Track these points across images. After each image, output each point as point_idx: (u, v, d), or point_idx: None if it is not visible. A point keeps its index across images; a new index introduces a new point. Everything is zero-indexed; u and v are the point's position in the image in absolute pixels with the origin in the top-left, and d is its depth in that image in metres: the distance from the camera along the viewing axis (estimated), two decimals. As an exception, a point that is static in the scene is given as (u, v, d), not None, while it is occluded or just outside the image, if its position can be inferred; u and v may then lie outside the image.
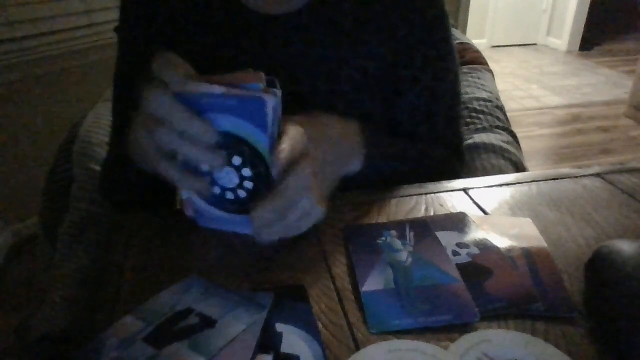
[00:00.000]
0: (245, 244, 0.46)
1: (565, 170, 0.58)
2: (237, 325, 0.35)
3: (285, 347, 0.34)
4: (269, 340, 0.34)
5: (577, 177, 0.57)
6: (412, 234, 0.46)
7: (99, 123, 0.81)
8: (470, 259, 0.42)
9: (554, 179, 0.57)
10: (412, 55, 0.58)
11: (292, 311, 0.37)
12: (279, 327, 0.35)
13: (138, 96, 0.42)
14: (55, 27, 1.65)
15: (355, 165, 0.53)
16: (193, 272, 0.42)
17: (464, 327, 0.35)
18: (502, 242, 0.45)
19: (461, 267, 0.41)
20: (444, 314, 0.36)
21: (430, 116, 0.62)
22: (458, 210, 0.50)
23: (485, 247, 0.44)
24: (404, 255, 0.43)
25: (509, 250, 0.43)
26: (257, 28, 0.56)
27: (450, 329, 0.35)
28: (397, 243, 0.44)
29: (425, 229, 0.46)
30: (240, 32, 0.56)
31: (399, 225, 0.47)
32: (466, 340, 0.34)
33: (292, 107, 0.57)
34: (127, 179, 0.57)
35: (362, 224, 0.49)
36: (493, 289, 0.39)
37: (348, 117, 0.56)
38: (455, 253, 0.43)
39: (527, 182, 0.56)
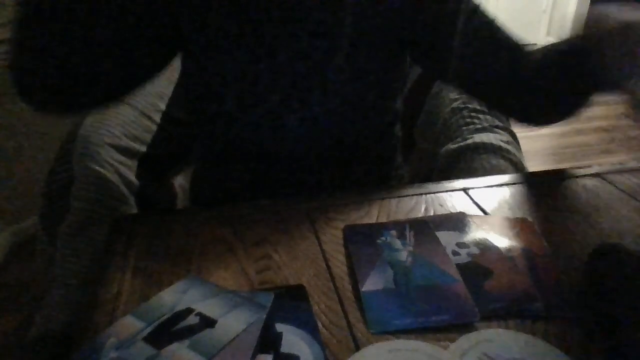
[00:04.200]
0: (245, 244, 0.46)
1: (565, 170, 0.58)
2: (237, 325, 0.35)
3: (285, 347, 0.34)
4: (269, 340, 0.34)
5: (577, 177, 0.57)
6: (412, 233, 0.46)
7: (99, 123, 0.81)
8: (470, 259, 0.42)
9: (554, 179, 0.57)
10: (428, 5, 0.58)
11: (292, 311, 0.37)
12: (279, 327, 0.35)
13: None
14: (55, 27, 1.65)
15: None
16: (193, 272, 0.42)
17: (464, 327, 0.35)
18: (502, 242, 0.45)
19: (461, 267, 0.41)
20: (444, 314, 0.36)
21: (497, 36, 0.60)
22: (458, 210, 0.50)
23: (485, 247, 0.44)
24: (404, 255, 0.43)
25: (509, 250, 0.43)
26: None
27: (450, 329, 0.35)
28: (397, 243, 0.44)
29: (425, 228, 0.46)
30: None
31: (399, 225, 0.47)
32: (466, 340, 0.34)
33: (294, 61, 0.58)
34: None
35: (362, 224, 0.49)
36: (493, 289, 0.39)
37: (344, 70, 0.57)
38: (455, 253, 0.43)
39: (527, 182, 0.56)
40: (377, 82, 0.61)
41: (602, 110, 3.02)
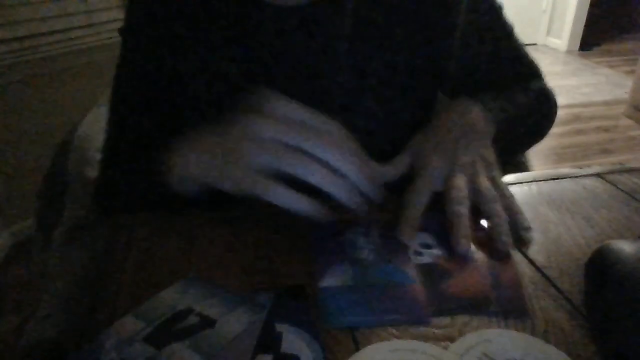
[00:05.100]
0: (245, 244, 0.46)
1: (565, 170, 0.58)
2: (237, 325, 0.35)
3: (285, 347, 0.34)
4: (268, 340, 0.34)
5: (577, 177, 0.57)
6: (376, 232, 0.46)
7: (95, 128, 0.79)
8: (431, 260, 0.42)
9: (554, 179, 0.57)
10: (454, 34, 0.57)
11: (292, 311, 0.37)
12: (279, 327, 0.35)
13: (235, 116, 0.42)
14: (55, 27, 1.65)
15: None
16: (193, 272, 0.42)
17: (464, 327, 0.35)
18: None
19: (421, 268, 0.41)
20: (396, 313, 0.37)
21: (497, 63, 0.62)
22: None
23: (448, 248, 0.44)
24: (364, 253, 0.43)
25: (473, 252, 0.43)
26: (274, 21, 0.53)
27: (450, 329, 0.35)
28: (361, 241, 0.44)
29: (391, 228, 0.46)
30: (255, 26, 0.53)
31: (365, 224, 0.47)
32: (466, 340, 0.34)
33: (314, 103, 0.56)
34: (127, 192, 0.56)
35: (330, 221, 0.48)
36: (449, 290, 0.39)
37: (377, 114, 0.56)
38: (417, 253, 0.43)
39: (527, 182, 0.56)
40: (406, 121, 0.60)
41: (602, 110, 3.02)
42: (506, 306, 0.37)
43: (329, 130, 0.42)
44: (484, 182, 0.46)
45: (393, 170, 0.50)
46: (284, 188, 0.39)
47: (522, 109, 0.59)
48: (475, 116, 0.52)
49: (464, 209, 0.44)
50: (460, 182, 0.46)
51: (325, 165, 0.40)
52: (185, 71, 0.56)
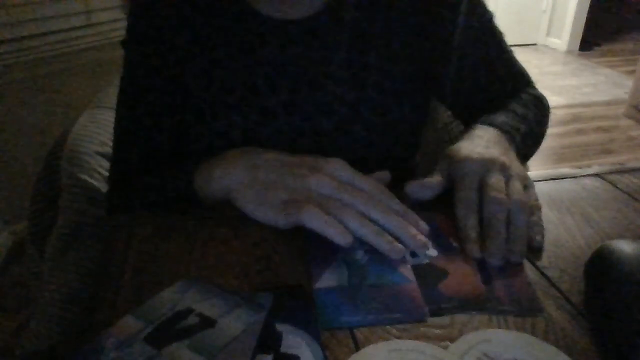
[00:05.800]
0: (245, 244, 0.46)
1: (565, 170, 0.58)
2: (237, 326, 0.35)
3: (285, 347, 0.34)
4: (268, 340, 0.34)
5: (577, 177, 0.57)
6: None
7: (88, 131, 0.77)
8: (427, 260, 0.43)
9: (554, 179, 0.57)
10: (450, 43, 0.57)
11: (292, 311, 0.37)
12: (279, 327, 0.35)
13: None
14: (55, 27, 1.65)
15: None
16: (193, 272, 0.42)
17: (465, 327, 0.35)
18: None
19: (417, 268, 0.41)
20: (394, 313, 0.37)
21: (494, 73, 0.62)
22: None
23: (444, 248, 0.44)
24: (360, 254, 0.43)
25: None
26: (274, 35, 0.54)
27: (450, 329, 0.35)
28: (356, 242, 0.44)
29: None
30: (256, 40, 0.54)
31: None
32: (466, 340, 0.34)
33: (317, 116, 0.56)
34: (135, 198, 0.57)
35: None
36: (446, 290, 0.39)
37: (374, 124, 0.56)
38: (413, 254, 0.43)
39: (527, 182, 0.56)
40: (404, 129, 0.60)
41: (602, 110, 3.02)
42: (503, 301, 0.38)
43: (374, 189, 0.46)
44: (517, 187, 0.46)
45: (430, 192, 0.49)
46: (318, 212, 0.42)
47: (530, 124, 0.60)
48: (497, 136, 0.53)
49: (502, 215, 0.43)
50: (500, 183, 0.45)
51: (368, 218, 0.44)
52: (190, 83, 0.56)
